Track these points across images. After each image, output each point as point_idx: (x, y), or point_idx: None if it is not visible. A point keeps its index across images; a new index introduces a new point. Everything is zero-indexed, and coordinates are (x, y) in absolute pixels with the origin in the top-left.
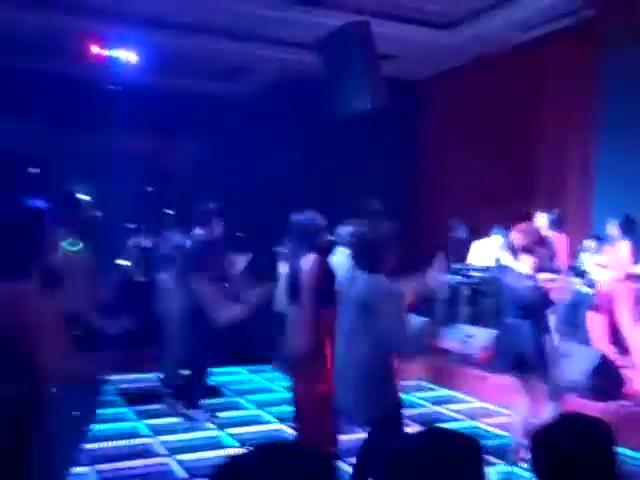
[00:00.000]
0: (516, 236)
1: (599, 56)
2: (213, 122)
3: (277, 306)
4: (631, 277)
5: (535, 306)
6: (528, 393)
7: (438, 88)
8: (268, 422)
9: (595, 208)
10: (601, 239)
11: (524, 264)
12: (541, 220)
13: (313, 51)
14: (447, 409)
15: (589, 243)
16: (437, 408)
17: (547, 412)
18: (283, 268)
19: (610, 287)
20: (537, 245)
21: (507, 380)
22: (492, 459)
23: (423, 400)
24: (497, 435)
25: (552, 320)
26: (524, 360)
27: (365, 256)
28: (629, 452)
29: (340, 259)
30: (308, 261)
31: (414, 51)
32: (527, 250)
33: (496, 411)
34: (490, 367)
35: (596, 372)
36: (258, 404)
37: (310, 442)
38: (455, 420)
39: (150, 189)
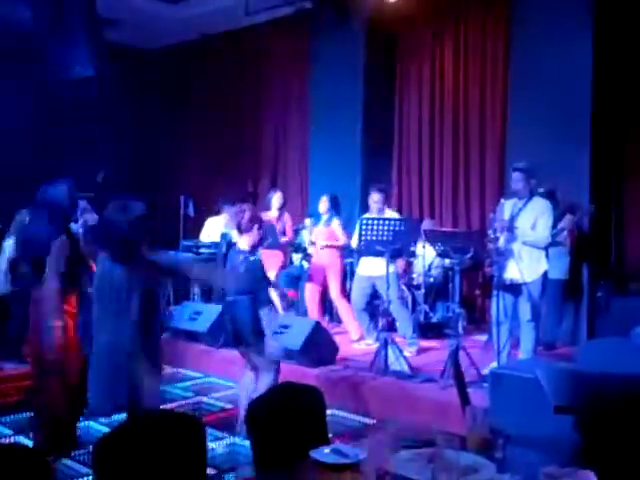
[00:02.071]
0: (230, 217)
1: (311, 42)
2: None
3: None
4: (338, 249)
5: (253, 281)
6: (251, 368)
7: (170, 60)
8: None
9: (310, 189)
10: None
11: (243, 241)
12: (275, 199)
13: (26, 6)
14: (176, 387)
15: (307, 221)
16: (166, 387)
17: (263, 384)
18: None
19: (321, 260)
20: (251, 223)
21: (233, 354)
22: (219, 433)
23: None
24: (223, 408)
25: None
26: (241, 335)
27: (113, 245)
28: (341, 412)
29: None
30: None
31: (143, 21)
32: (241, 229)
33: (223, 385)
34: (216, 342)
35: (310, 340)
36: None
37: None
38: (184, 397)
39: None
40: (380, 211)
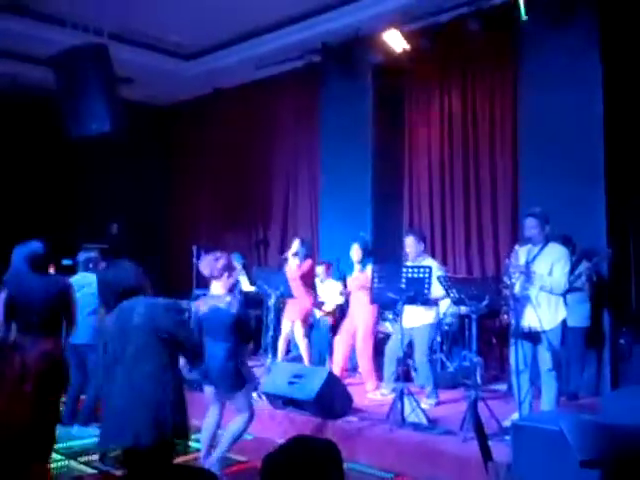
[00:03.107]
0: (202, 267)
1: (320, 93)
2: None
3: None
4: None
5: (232, 328)
6: (217, 406)
7: (182, 115)
8: None
9: (321, 236)
10: (329, 264)
11: (217, 287)
12: (295, 246)
13: (47, 67)
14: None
15: (319, 269)
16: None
17: (236, 423)
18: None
19: (355, 310)
20: (222, 270)
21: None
22: None
23: None
24: (238, 461)
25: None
26: (212, 375)
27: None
28: (357, 466)
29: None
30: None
31: (156, 78)
32: (213, 277)
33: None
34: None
35: (324, 391)
36: None
37: None
38: (197, 450)
39: None
40: (416, 257)
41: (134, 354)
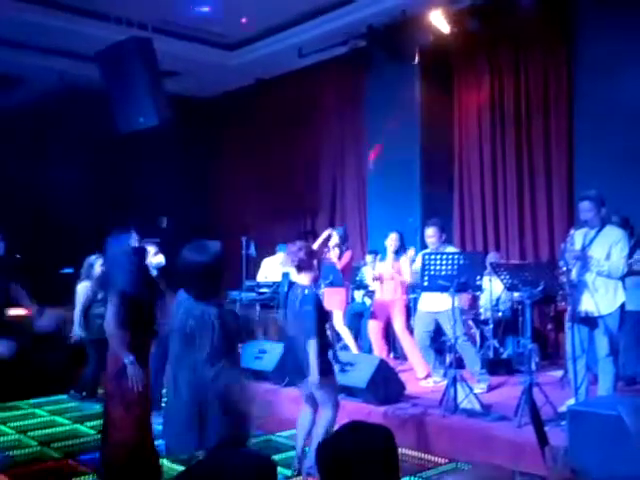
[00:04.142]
0: (287, 257)
1: (366, 79)
2: None
3: (76, 332)
4: (403, 284)
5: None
6: (309, 404)
7: (226, 106)
8: (52, 459)
9: (369, 224)
10: (377, 254)
11: (303, 278)
12: (335, 237)
13: (94, 63)
14: None
15: (369, 258)
16: None
17: (322, 419)
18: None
19: (386, 296)
20: (309, 259)
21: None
22: (288, 471)
23: None
24: (292, 446)
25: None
26: (301, 371)
27: (194, 283)
28: (410, 452)
29: None
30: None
31: (199, 70)
32: (300, 268)
33: (290, 422)
34: (282, 381)
35: (375, 378)
36: (41, 440)
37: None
38: (252, 436)
39: None
40: (438, 247)
41: (174, 360)
